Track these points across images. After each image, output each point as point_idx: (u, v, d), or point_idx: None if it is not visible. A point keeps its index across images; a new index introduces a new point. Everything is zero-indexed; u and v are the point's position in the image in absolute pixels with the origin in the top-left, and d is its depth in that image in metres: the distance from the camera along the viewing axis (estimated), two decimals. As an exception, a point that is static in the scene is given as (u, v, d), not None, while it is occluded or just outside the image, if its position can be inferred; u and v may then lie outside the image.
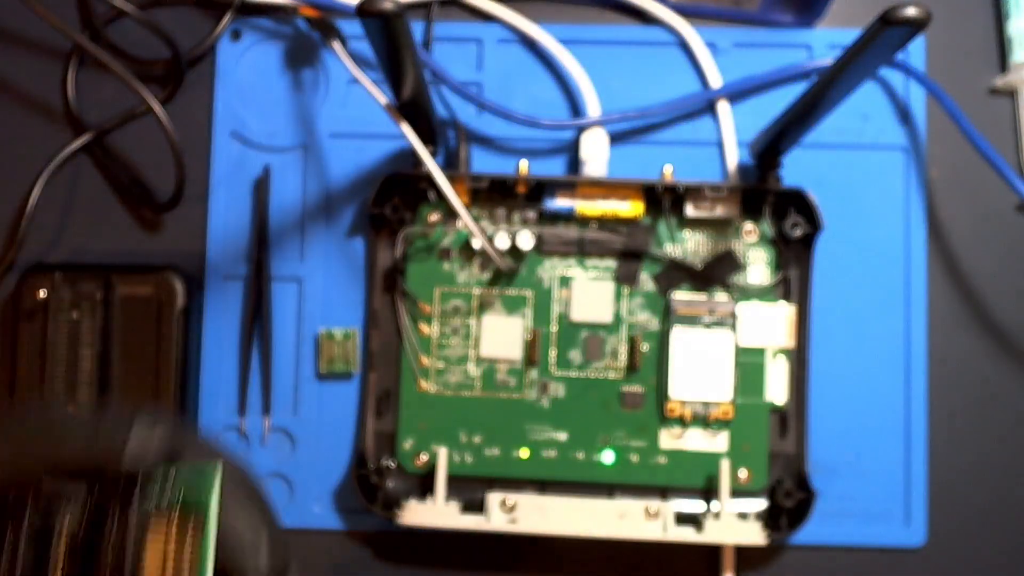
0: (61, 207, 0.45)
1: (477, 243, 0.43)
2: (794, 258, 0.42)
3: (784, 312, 0.42)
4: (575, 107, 0.45)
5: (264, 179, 0.44)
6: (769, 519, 0.41)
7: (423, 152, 0.39)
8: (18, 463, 0.25)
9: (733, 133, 0.44)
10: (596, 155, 0.43)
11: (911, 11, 0.28)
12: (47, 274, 0.42)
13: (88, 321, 0.41)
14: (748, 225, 0.43)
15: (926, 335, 0.43)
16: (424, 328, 0.43)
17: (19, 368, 0.42)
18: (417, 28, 0.45)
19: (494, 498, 0.41)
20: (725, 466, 0.41)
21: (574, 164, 0.44)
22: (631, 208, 0.42)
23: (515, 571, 0.43)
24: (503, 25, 0.45)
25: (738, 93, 0.44)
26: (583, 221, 0.43)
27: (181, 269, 0.43)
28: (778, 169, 0.42)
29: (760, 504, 0.42)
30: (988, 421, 0.43)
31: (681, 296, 0.42)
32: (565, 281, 0.43)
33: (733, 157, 0.44)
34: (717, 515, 0.40)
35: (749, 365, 0.42)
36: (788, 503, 0.41)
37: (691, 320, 0.42)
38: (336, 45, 0.43)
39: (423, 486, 0.42)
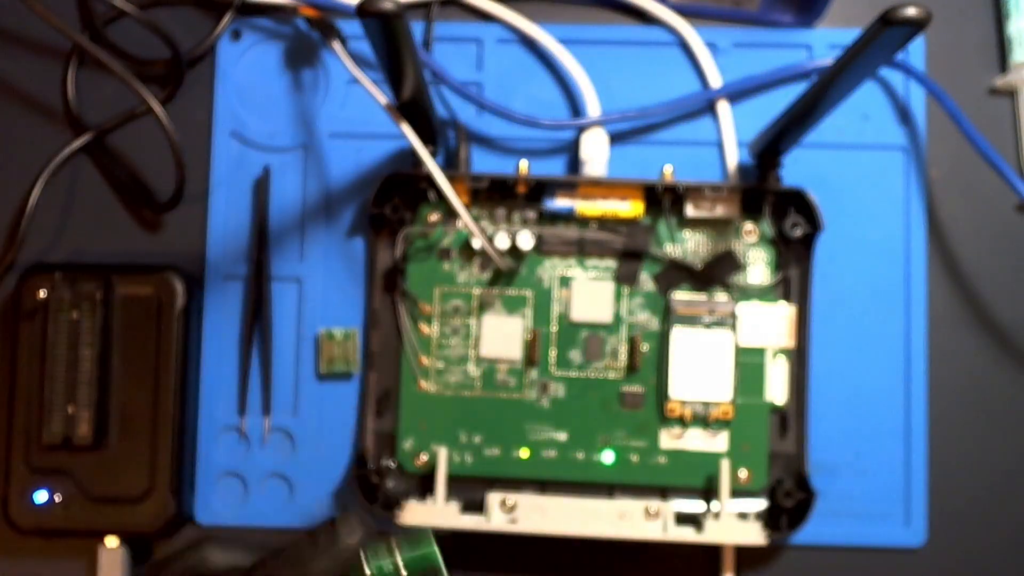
0: (61, 207, 0.45)
1: (477, 243, 0.43)
2: (794, 258, 0.43)
3: (784, 312, 0.42)
4: (575, 107, 0.45)
5: (264, 179, 0.44)
6: (769, 519, 0.41)
7: (423, 152, 0.39)
8: None
9: (733, 133, 0.44)
10: (596, 155, 0.43)
11: (911, 11, 0.28)
12: (47, 274, 0.42)
13: (88, 321, 0.41)
14: (748, 225, 0.43)
15: (926, 335, 0.43)
16: (424, 328, 0.43)
17: (19, 368, 0.42)
18: (417, 28, 0.45)
19: (494, 498, 0.41)
20: (725, 466, 0.41)
21: (574, 164, 0.44)
22: (631, 208, 0.42)
23: (515, 571, 0.43)
24: (503, 25, 0.45)
25: (738, 93, 0.44)
26: (583, 221, 0.43)
27: (181, 269, 0.43)
28: (778, 169, 0.42)
29: (760, 504, 0.42)
30: (988, 421, 0.43)
31: (681, 296, 0.42)
32: (565, 281, 0.43)
33: (733, 157, 0.44)
34: (717, 515, 0.40)
35: (749, 365, 0.42)
36: (788, 503, 0.41)
37: (691, 320, 0.42)
38: (336, 45, 0.43)
39: (423, 486, 0.42)
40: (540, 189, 0.43)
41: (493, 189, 0.43)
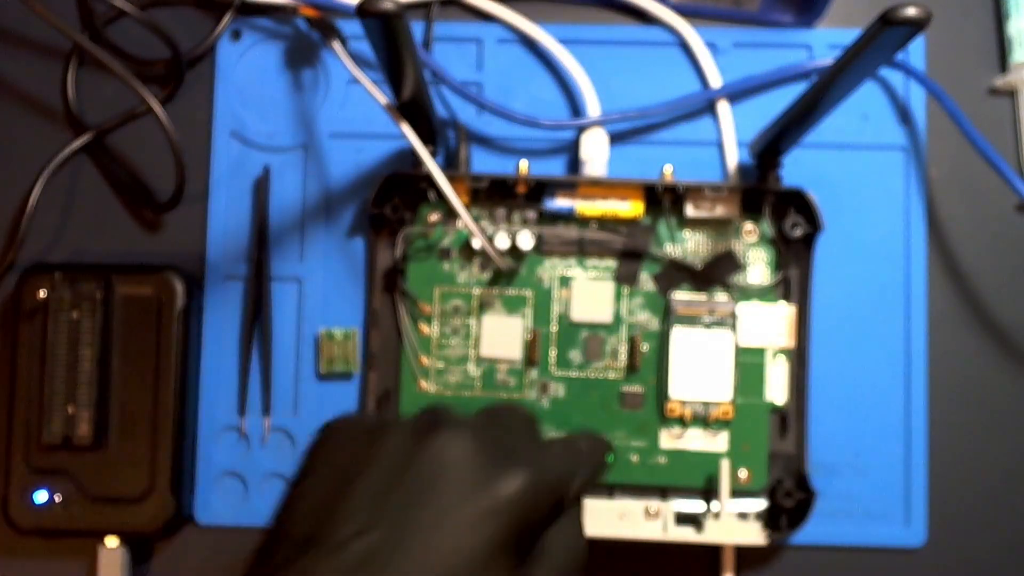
0: (61, 207, 0.45)
1: (477, 243, 0.43)
2: (794, 258, 0.42)
3: (784, 312, 0.42)
4: (575, 107, 0.45)
5: (264, 179, 0.44)
6: (769, 519, 0.41)
7: (423, 152, 0.39)
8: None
9: (733, 133, 0.44)
10: (596, 155, 0.43)
11: (911, 11, 0.28)
12: (47, 274, 0.42)
13: (88, 321, 0.41)
14: (748, 225, 0.43)
15: (926, 335, 0.43)
16: (424, 328, 0.43)
17: (19, 368, 0.42)
18: (417, 28, 0.45)
19: (494, 498, 0.41)
20: (725, 466, 0.41)
21: (574, 164, 0.44)
22: (631, 208, 0.42)
23: (515, 571, 0.43)
24: (503, 25, 0.45)
25: (738, 93, 0.44)
26: (583, 221, 0.43)
27: (181, 269, 0.43)
28: (778, 169, 0.42)
29: (760, 504, 0.42)
30: (988, 421, 0.43)
31: (681, 296, 0.42)
32: (565, 281, 0.43)
33: (733, 157, 0.44)
34: (717, 515, 0.40)
35: (749, 365, 0.42)
36: (788, 503, 0.41)
37: (691, 320, 0.42)
38: (336, 45, 0.43)
39: (423, 486, 0.42)
40: (540, 189, 0.43)
41: (493, 189, 0.43)
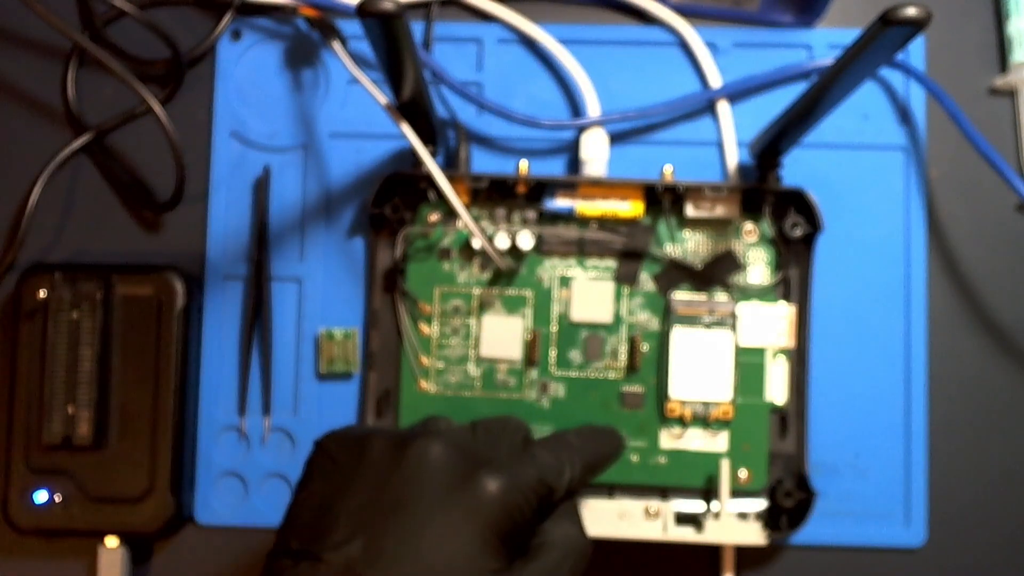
0: (61, 207, 0.45)
1: (477, 243, 0.43)
2: (794, 258, 0.42)
3: (784, 312, 0.42)
4: (575, 107, 0.45)
5: (264, 179, 0.44)
6: (769, 519, 0.41)
7: (423, 152, 0.39)
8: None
9: (733, 133, 0.44)
10: (596, 155, 0.43)
11: (911, 11, 0.28)
12: (47, 274, 0.42)
13: (88, 321, 0.41)
14: (748, 225, 0.43)
15: (926, 335, 0.43)
16: (424, 328, 0.43)
17: (19, 368, 0.42)
18: (417, 28, 0.45)
19: (494, 498, 0.41)
20: (725, 466, 0.41)
21: (574, 164, 0.44)
22: (631, 208, 0.42)
23: (515, 571, 0.43)
24: (503, 25, 0.45)
25: (738, 93, 0.44)
26: (583, 221, 0.43)
27: (181, 269, 0.43)
28: (778, 169, 0.42)
29: (760, 504, 0.42)
30: (988, 421, 0.43)
31: (681, 296, 0.42)
32: (565, 281, 0.43)
33: (733, 157, 0.44)
34: (717, 515, 0.40)
35: (749, 365, 0.42)
36: (788, 503, 0.41)
37: (691, 320, 0.42)
38: (336, 45, 0.43)
39: (423, 486, 0.42)
40: (540, 189, 0.43)
41: (493, 189, 0.43)
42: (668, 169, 0.42)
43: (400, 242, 0.43)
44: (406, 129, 0.39)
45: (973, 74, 0.45)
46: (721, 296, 0.42)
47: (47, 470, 0.41)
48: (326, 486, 0.31)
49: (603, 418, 0.42)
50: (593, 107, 0.44)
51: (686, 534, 0.40)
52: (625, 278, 0.43)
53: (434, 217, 0.43)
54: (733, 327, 0.42)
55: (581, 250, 0.43)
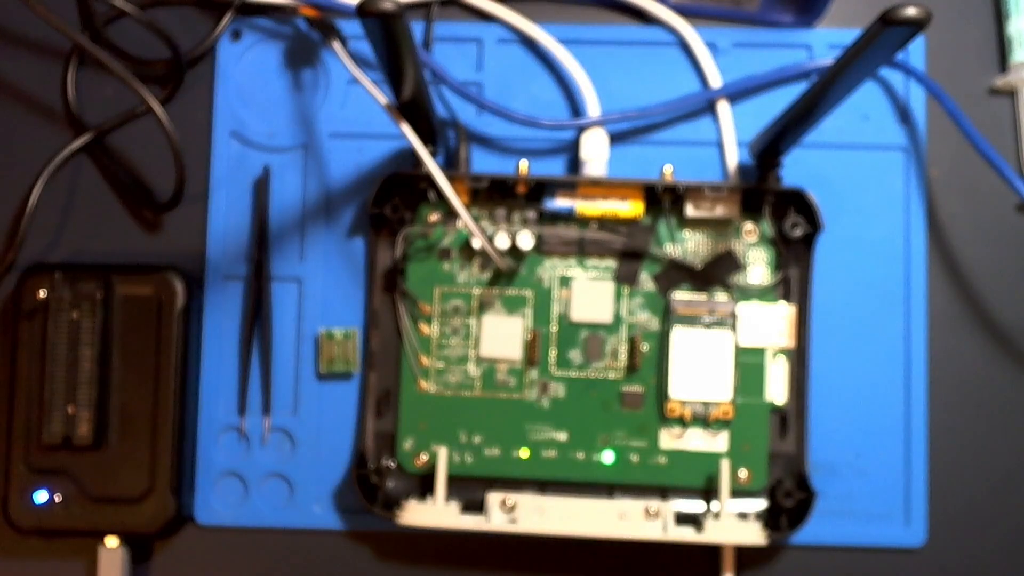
0: (61, 207, 0.45)
1: (477, 243, 0.43)
2: (794, 258, 0.43)
3: (784, 312, 0.42)
4: (575, 107, 0.45)
5: (264, 179, 0.44)
6: (769, 519, 0.41)
7: (423, 152, 0.39)
8: None
9: (733, 133, 0.44)
10: (596, 155, 0.43)
11: (911, 11, 0.28)
12: (47, 274, 0.42)
13: (88, 321, 0.41)
14: (748, 225, 0.43)
15: (926, 335, 0.43)
16: (424, 328, 0.43)
17: (19, 368, 0.42)
18: (417, 28, 0.45)
19: (494, 498, 0.41)
20: (725, 466, 0.41)
21: (574, 164, 0.44)
22: (631, 208, 0.42)
23: (515, 571, 0.43)
24: (503, 25, 0.45)
25: (738, 93, 0.44)
26: (583, 221, 0.43)
27: (181, 269, 0.43)
28: (778, 169, 0.42)
29: (760, 504, 0.42)
30: (988, 421, 0.43)
31: (681, 296, 0.42)
32: (565, 281, 0.43)
33: (733, 157, 0.44)
34: (717, 515, 0.40)
35: (749, 365, 0.42)
36: (788, 503, 0.41)
37: (691, 320, 0.42)
38: (336, 45, 0.43)
39: (423, 486, 0.42)
40: (540, 189, 0.43)
41: (493, 189, 0.43)
42: (668, 169, 0.42)
43: (400, 242, 0.43)
44: (406, 129, 0.39)
45: (973, 74, 0.45)
46: (721, 296, 0.42)
47: (47, 470, 0.41)
48: None
49: (603, 418, 0.42)
50: (593, 107, 0.44)
51: (686, 534, 0.40)
52: (625, 278, 0.43)
53: (434, 217, 0.43)
54: (733, 327, 0.42)
55: (581, 250, 0.43)
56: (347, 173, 0.44)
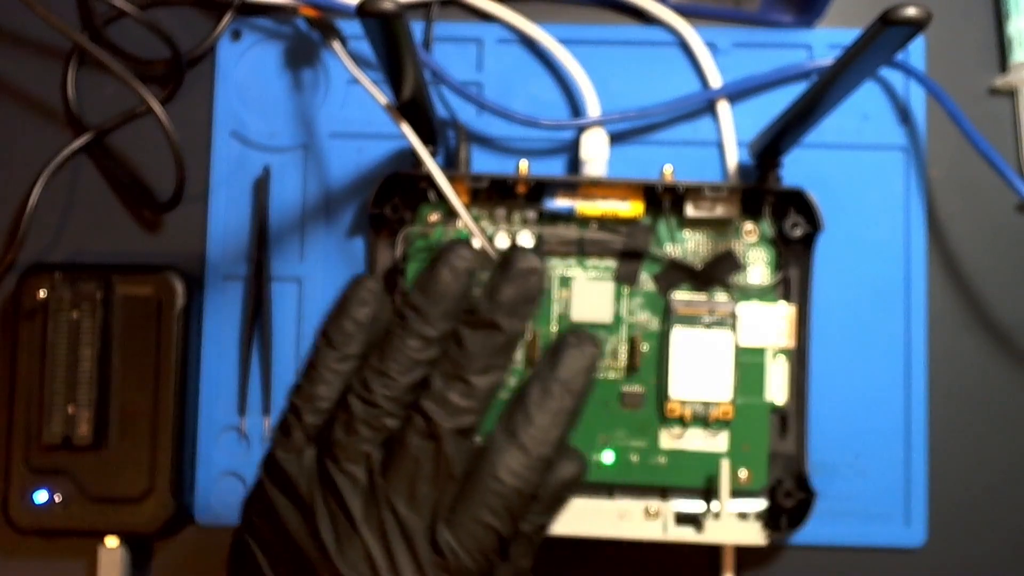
0: (61, 207, 0.45)
1: (477, 243, 0.42)
2: (794, 258, 0.42)
3: (784, 312, 0.42)
4: (575, 107, 0.45)
5: (264, 179, 0.44)
6: (769, 519, 0.41)
7: (423, 152, 0.39)
8: None
9: (733, 133, 0.44)
10: (596, 155, 0.43)
11: (911, 11, 0.28)
12: (47, 274, 0.42)
13: (88, 321, 0.41)
14: (748, 225, 0.43)
15: (926, 335, 0.43)
16: (424, 328, 0.43)
17: (19, 368, 0.42)
18: (417, 28, 0.45)
19: (494, 498, 0.41)
20: (725, 466, 0.41)
21: (574, 164, 0.44)
22: (631, 208, 0.42)
23: (515, 571, 0.43)
24: (503, 25, 0.45)
25: (738, 93, 0.44)
26: (583, 221, 0.43)
27: (181, 269, 0.43)
28: (778, 169, 0.42)
29: (760, 504, 0.42)
30: (988, 421, 0.43)
31: (681, 296, 0.42)
32: (565, 281, 0.43)
33: (733, 157, 0.44)
34: (717, 515, 0.40)
35: (749, 365, 0.42)
36: (788, 503, 0.41)
37: (691, 320, 0.42)
38: (336, 45, 0.43)
39: (423, 486, 0.42)
40: (540, 189, 0.43)
41: (493, 189, 0.43)
42: (668, 169, 0.42)
43: (400, 242, 0.43)
44: (406, 129, 0.39)
45: (973, 74, 0.45)
46: (721, 296, 0.42)
47: (47, 470, 0.41)
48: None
49: (603, 418, 0.42)
50: (593, 107, 0.44)
51: (686, 534, 0.40)
52: (625, 278, 0.43)
53: (434, 217, 0.43)
54: (733, 327, 0.42)
55: (581, 250, 0.43)
56: (347, 173, 0.44)
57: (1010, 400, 0.43)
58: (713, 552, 0.43)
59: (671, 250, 0.43)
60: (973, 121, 0.42)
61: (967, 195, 0.44)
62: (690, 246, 0.43)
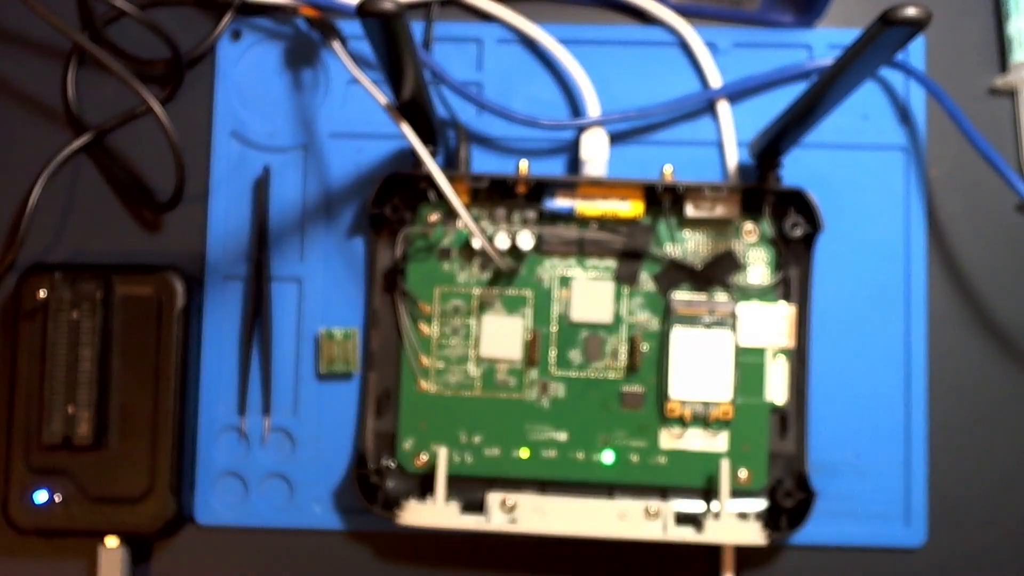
0: (61, 207, 0.45)
1: (477, 243, 0.43)
2: (794, 258, 0.43)
3: (784, 312, 0.42)
4: (575, 107, 0.45)
5: (264, 179, 0.44)
6: (769, 519, 0.41)
7: (423, 152, 0.39)
8: None
9: (733, 133, 0.44)
10: (596, 155, 0.43)
11: (911, 11, 0.28)
12: (47, 274, 0.42)
13: (88, 321, 0.41)
14: (748, 225, 0.43)
15: (926, 335, 0.43)
16: (424, 328, 0.43)
17: (19, 368, 0.42)
18: (417, 28, 0.45)
19: (494, 498, 0.41)
20: (725, 466, 0.41)
21: (574, 164, 0.44)
22: (631, 208, 0.42)
23: (515, 571, 0.43)
24: (503, 25, 0.45)
25: (738, 93, 0.44)
26: (583, 221, 0.43)
27: (181, 269, 0.43)
28: (778, 169, 0.42)
29: (760, 504, 0.42)
30: (988, 421, 0.43)
31: (681, 296, 0.42)
32: (565, 281, 0.43)
33: (733, 157, 0.44)
34: (717, 515, 0.40)
35: (749, 365, 0.42)
36: (788, 503, 0.41)
37: (691, 320, 0.42)
38: (336, 45, 0.43)
39: (423, 486, 0.42)
40: (540, 189, 0.43)
41: (493, 189, 0.43)
42: (668, 169, 0.42)
43: (400, 242, 0.43)
44: (406, 129, 0.39)
45: (973, 74, 0.45)
46: (721, 296, 0.42)
47: (47, 470, 0.41)
48: None
49: (603, 418, 0.42)
50: (593, 107, 0.44)
51: (686, 534, 0.40)
52: (625, 278, 0.43)
53: (434, 217, 0.43)
54: (733, 327, 0.42)
55: (581, 250, 0.43)
56: (347, 173, 0.44)
57: (1010, 400, 0.43)
58: (713, 552, 0.43)
59: (671, 250, 0.43)
60: (973, 121, 0.42)
61: (967, 195, 0.44)
62: (690, 246, 0.43)
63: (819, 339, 0.43)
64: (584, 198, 0.42)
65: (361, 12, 0.29)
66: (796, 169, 0.43)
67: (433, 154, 0.41)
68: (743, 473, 0.42)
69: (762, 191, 0.42)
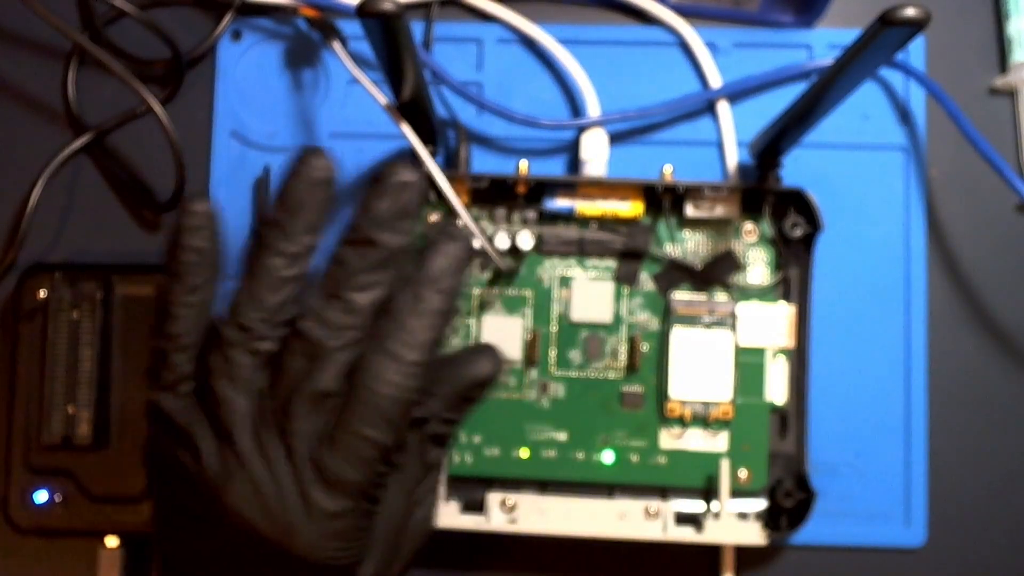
0: (61, 207, 0.45)
1: (477, 243, 0.43)
2: (794, 258, 0.42)
3: (784, 312, 0.42)
4: (575, 107, 0.45)
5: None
6: (769, 519, 0.41)
7: (423, 152, 0.39)
8: None
9: (733, 133, 0.44)
10: (596, 155, 0.43)
11: (911, 11, 0.28)
12: (47, 274, 0.42)
13: (88, 321, 0.41)
14: (748, 225, 0.43)
15: (926, 335, 0.43)
16: (424, 328, 0.43)
17: (19, 368, 0.42)
18: (417, 28, 0.45)
19: (494, 498, 0.41)
20: (725, 466, 0.41)
21: (574, 164, 0.44)
22: (631, 208, 0.42)
23: (515, 571, 0.43)
24: (503, 25, 0.45)
25: (738, 93, 0.44)
26: (583, 221, 0.43)
27: (181, 269, 0.43)
28: (778, 169, 0.42)
29: (760, 504, 0.42)
30: (988, 421, 0.43)
31: (681, 296, 0.42)
32: (565, 281, 0.43)
33: (733, 157, 0.44)
34: (717, 515, 0.40)
35: (749, 365, 0.42)
36: (788, 503, 0.41)
37: (691, 320, 0.42)
38: (336, 45, 0.43)
39: (423, 486, 0.42)
40: (540, 189, 0.43)
41: (493, 189, 0.43)
42: (668, 169, 0.42)
43: (400, 242, 0.43)
44: (406, 129, 0.39)
45: (973, 74, 0.45)
46: (721, 296, 0.42)
47: (47, 470, 0.41)
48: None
49: (603, 418, 0.42)
50: (593, 107, 0.44)
51: (686, 534, 0.40)
52: (625, 278, 0.43)
53: (434, 217, 0.43)
54: (733, 327, 0.42)
55: (581, 250, 0.43)
56: (347, 173, 0.44)
57: (1010, 400, 0.43)
58: (713, 552, 0.43)
59: (671, 250, 0.43)
60: (973, 121, 0.42)
61: (967, 195, 0.44)
62: (690, 246, 0.43)
63: (819, 339, 0.43)
64: (584, 198, 0.42)
65: (361, 12, 0.29)
66: (796, 169, 0.43)
67: (433, 154, 0.41)
68: (743, 473, 0.42)
69: (762, 191, 0.42)
